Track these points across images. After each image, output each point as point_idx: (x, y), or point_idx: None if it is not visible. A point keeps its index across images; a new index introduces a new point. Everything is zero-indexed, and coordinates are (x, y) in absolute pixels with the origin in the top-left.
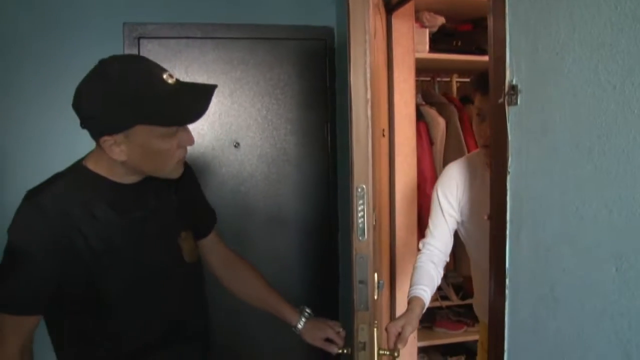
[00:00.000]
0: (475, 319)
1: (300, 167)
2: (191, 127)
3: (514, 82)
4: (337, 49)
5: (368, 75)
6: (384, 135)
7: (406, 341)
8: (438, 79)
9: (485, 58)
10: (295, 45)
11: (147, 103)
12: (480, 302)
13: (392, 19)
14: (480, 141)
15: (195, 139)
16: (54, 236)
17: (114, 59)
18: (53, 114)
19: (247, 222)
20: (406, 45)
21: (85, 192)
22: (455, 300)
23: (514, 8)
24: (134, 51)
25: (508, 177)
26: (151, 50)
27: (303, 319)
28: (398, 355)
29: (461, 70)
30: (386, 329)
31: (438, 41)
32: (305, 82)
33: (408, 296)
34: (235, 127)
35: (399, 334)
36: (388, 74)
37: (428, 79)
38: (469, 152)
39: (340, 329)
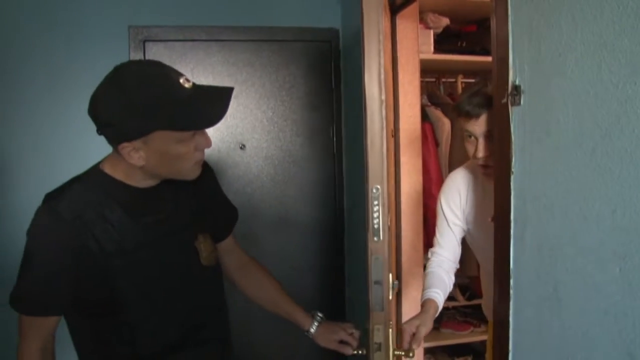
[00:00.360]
0: (481, 320)
1: (306, 169)
2: None
3: (517, 83)
4: (342, 50)
5: (382, 76)
6: (392, 136)
7: (421, 341)
8: (443, 79)
9: (490, 58)
10: (301, 47)
11: (165, 109)
12: (488, 304)
13: (397, 20)
14: (475, 160)
15: None
16: (69, 239)
17: (130, 64)
18: (60, 118)
19: (253, 223)
20: (410, 47)
21: (100, 195)
22: (461, 301)
23: (517, 9)
24: (139, 54)
25: (512, 177)
26: (156, 53)
27: (315, 323)
28: (413, 356)
29: (466, 70)
30: (401, 330)
31: (443, 42)
32: (311, 83)
33: (421, 299)
34: (241, 129)
35: (414, 334)
36: (393, 75)
37: (433, 79)
38: None
39: (354, 330)
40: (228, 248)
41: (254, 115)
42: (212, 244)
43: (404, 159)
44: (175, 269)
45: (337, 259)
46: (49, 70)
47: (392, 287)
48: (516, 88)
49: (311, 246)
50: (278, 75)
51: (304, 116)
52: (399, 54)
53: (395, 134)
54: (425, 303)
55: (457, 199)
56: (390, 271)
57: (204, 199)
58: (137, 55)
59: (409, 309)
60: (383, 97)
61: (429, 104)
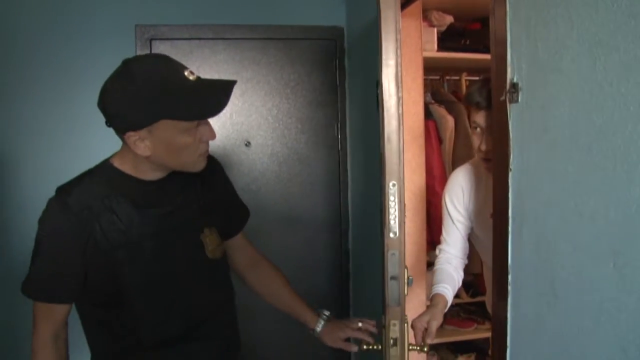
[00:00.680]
0: (485, 317)
1: (310, 166)
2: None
3: (515, 80)
4: (347, 48)
5: (400, 73)
6: None
7: (434, 336)
8: (447, 77)
9: None
10: (306, 45)
11: (169, 99)
12: (490, 300)
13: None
14: (479, 154)
15: None
16: (76, 228)
17: (137, 58)
18: (68, 114)
19: (258, 220)
20: (414, 45)
21: (107, 188)
22: (465, 298)
23: (515, 8)
24: (146, 52)
25: (510, 174)
26: (163, 51)
27: (322, 322)
28: (428, 351)
29: (470, 68)
30: (412, 325)
31: (447, 40)
32: (316, 81)
33: (430, 295)
34: (246, 127)
35: (425, 329)
36: None
37: (437, 77)
38: None
39: (360, 324)
40: (238, 245)
41: (259, 113)
42: (218, 238)
43: (407, 156)
44: (179, 260)
45: (341, 255)
46: (58, 68)
47: (408, 283)
48: (514, 86)
49: (316, 242)
50: (283, 73)
51: (309, 114)
52: (402, 51)
53: None
54: (434, 298)
55: (460, 196)
56: (405, 267)
57: (214, 195)
58: (143, 54)
59: (413, 305)
60: (400, 94)
61: (432, 101)
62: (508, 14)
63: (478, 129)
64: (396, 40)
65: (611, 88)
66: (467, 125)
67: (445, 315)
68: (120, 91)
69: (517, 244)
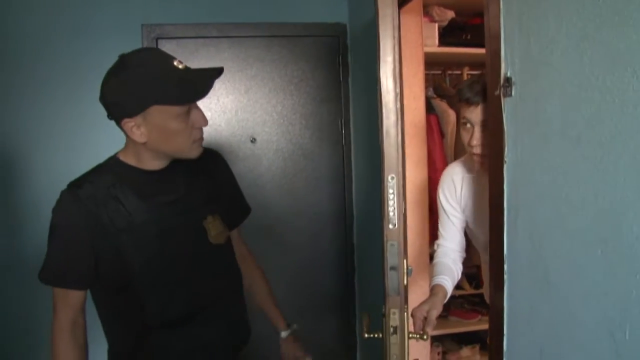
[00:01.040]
0: (488, 308)
1: (315, 161)
2: (209, 122)
3: (508, 75)
4: (349, 45)
5: (397, 70)
6: None
7: (433, 324)
8: (449, 72)
9: None
10: (309, 42)
11: (159, 85)
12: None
13: (401, 15)
14: (469, 149)
15: (213, 135)
16: (85, 215)
17: (131, 52)
18: (77, 113)
19: (264, 215)
20: (414, 40)
21: (113, 179)
22: (468, 290)
23: (508, 3)
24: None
25: (505, 166)
26: (169, 50)
27: (289, 331)
28: (427, 338)
29: (472, 63)
30: (412, 314)
31: (448, 35)
32: (319, 78)
33: (430, 286)
34: (251, 123)
35: (425, 318)
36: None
37: (439, 72)
38: None
39: None
40: (232, 238)
41: (264, 109)
42: (222, 225)
43: (409, 150)
44: (181, 244)
45: (346, 247)
46: (65, 68)
47: (407, 273)
48: (508, 80)
49: (321, 236)
50: (287, 70)
51: (313, 109)
52: (403, 47)
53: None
54: (434, 288)
55: (452, 191)
56: (405, 257)
57: (217, 186)
58: None
59: (416, 297)
60: (398, 90)
61: (434, 96)
62: (501, 9)
63: (468, 125)
64: (393, 37)
65: (597, 81)
66: None
67: (450, 307)
68: (114, 81)
69: (512, 234)
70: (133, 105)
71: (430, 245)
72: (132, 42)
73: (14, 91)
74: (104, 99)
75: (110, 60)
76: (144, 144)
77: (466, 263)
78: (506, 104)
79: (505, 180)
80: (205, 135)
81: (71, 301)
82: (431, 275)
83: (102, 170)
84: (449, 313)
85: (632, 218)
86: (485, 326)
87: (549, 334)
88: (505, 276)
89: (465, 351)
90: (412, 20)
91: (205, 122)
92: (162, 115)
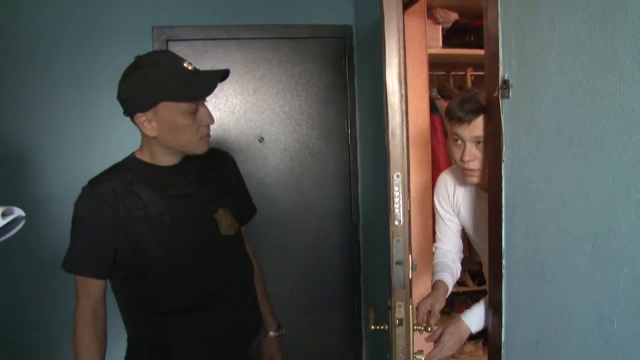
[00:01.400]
0: None
1: (322, 160)
2: (218, 122)
3: (506, 77)
4: (355, 46)
5: (402, 72)
6: None
7: (438, 317)
8: (453, 73)
9: None
10: (316, 44)
11: (168, 84)
12: None
13: (405, 17)
14: (460, 164)
15: (222, 134)
16: (104, 208)
17: (146, 53)
18: (89, 114)
19: (272, 213)
20: (418, 42)
21: (130, 175)
22: (471, 286)
23: (505, 8)
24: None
25: (503, 165)
26: (179, 52)
27: (277, 333)
28: (431, 330)
29: (475, 64)
30: (417, 308)
31: (452, 36)
32: (326, 78)
33: (431, 283)
34: (259, 123)
35: (429, 311)
36: None
37: (443, 73)
38: None
39: None
40: None
41: (272, 110)
42: (232, 218)
43: (412, 150)
44: (194, 235)
45: (352, 245)
46: (78, 69)
47: (412, 268)
48: (505, 82)
49: (327, 233)
50: (294, 71)
51: (319, 110)
52: (407, 49)
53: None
54: (436, 283)
55: (446, 197)
56: (410, 252)
57: (227, 184)
58: None
59: (419, 293)
60: (403, 91)
61: (438, 96)
62: (499, 14)
63: (459, 141)
64: (399, 40)
65: (588, 84)
66: None
67: (454, 303)
68: (129, 79)
69: (510, 230)
70: (145, 101)
71: (433, 244)
72: (142, 44)
73: (27, 91)
74: (119, 96)
75: (122, 61)
76: (155, 138)
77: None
78: (504, 105)
79: (503, 179)
80: (214, 134)
81: (92, 290)
82: (432, 273)
83: (119, 168)
84: (452, 309)
85: (620, 215)
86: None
87: (544, 325)
88: (503, 270)
89: (469, 346)
90: (416, 22)
91: (211, 120)
92: (170, 111)
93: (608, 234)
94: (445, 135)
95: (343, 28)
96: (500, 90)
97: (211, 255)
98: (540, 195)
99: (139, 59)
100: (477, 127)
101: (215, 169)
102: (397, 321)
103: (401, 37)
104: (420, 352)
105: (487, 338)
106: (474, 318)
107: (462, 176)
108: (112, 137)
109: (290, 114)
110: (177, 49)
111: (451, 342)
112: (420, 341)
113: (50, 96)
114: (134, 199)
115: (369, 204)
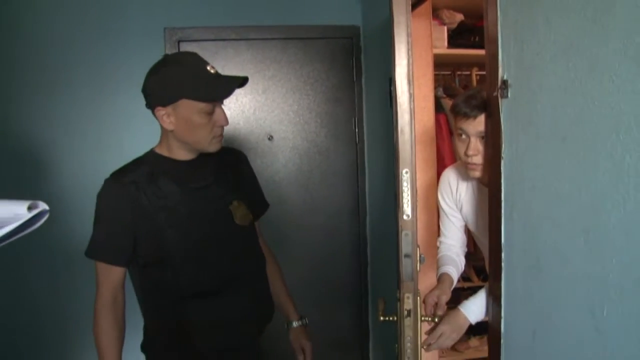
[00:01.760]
0: None
1: (330, 158)
2: (229, 122)
3: (505, 77)
4: (363, 46)
5: (411, 72)
6: None
7: (444, 308)
8: (458, 72)
9: None
10: (324, 44)
11: (190, 83)
12: None
13: (411, 18)
14: (464, 158)
15: (232, 133)
16: (126, 198)
17: (173, 53)
18: (102, 110)
19: (281, 210)
20: (424, 43)
21: (151, 167)
22: (476, 282)
23: (504, 11)
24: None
25: (502, 163)
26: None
27: (300, 322)
28: (439, 321)
29: (480, 63)
30: (424, 300)
31: (457, 37)
32: (334, 78)
33: (437, 276)
34: (269, 122)
35: (436, 303)
36: None
37: (449, 72)
38: None
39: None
40: None
41: (281, 109)
42: (246, 209)
43: (418, 148)
44: (210, 225)
45: (360, 241)
46: (92, 69)
47: (420, 261)
48: (504, 82)
49: (336, 229)
50: (303, 70)
51: (327, 109)
52: (413, 49)
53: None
54: (441, 276)
55: (449, 193)
56: (418, 246)
57: (241, 180)
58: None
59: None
60: (411, 90)
61: (444, 95)
62: (499, 16)
63: (463, 136)
64: (407, 42)
65: (580, 85)
66: None
67: (460, 299)
68: (154, 74)
69: (509, 225)
70: (166, 97)
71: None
72: (154, 45)
73: (43, 91)
74: (144, 90)
75: (135, 61)
76: (172, 132)
77: (474, 257)
78: (503, 105)
79: (502, 175)
80: (224, 133)
81: (112, 277)
82: (437, 267)
83: (140, 161)
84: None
85: (610, 209)
86: None
87: (540, 316)
88: (502, 264)
89: (474, 341)
90: (421, 23)
91: (226, 121)
92: (188, 109)
93: (599, 227)
94: (451, 133)
95: (351, 29)
96: (499, 90)
97: (226, 244)
98: (537, 191)
99: (166, 56)
100: (481, 122)
101: (230, 166)
102: (406, 312)
103: (410, 39)
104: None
105: None
106: (472, 308)
107: (465, 172)
108: (124, 135)
109: (299, 113)
110: (188, 49)
111: (448, 331)
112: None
113: (65, 96)
114: (154, 189)
115: (376, 201)
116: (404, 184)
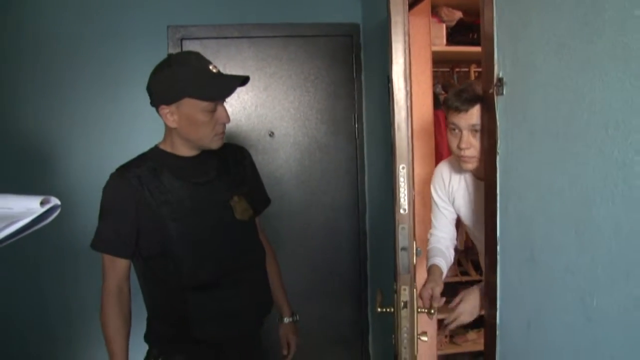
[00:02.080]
0: None
1: (330, 154)
2: (231, 119)
3: (500, 75)
4: (363, 43)
5: (408, 70)
6: None
7: (439, 299)
8: (457, 69)
9: None
10: (325, 42)
11: (192, 82)
12: None
13: (410, 16)
14: (457, 151)
15: (234, 129)
16: (130, 191)
17: (177, 52)
18: (106, 107)
19: (282, 205)
20: (423, 41)
21: (154, 162)
22: (474, 276)
23: (500, 11)
24: (177, 51)
25: (497, 158)
26: (193, 50)
27: (291, 319)
28: (434, 313)
29: (479, 60)
30: (419, 295)
31: (456, 34)
32: (334, 75)
33: (426, 267)
34: (270, 118)
35: (431, 295)
36: None
37: (447, 69)
38: None
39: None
40: None
41: (282, 105)
42: (246, 204)
43: (416, 144)
44: (211, 219)
45: (359, 235)
46: (97, 67)
47: (416, 253)
48: (500, 80)
49: (335, 224)
50: (304, 68)
51: (328, 105)
52: (412, 47)
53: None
54: (431, 267)
55: (442, 186)
56: (414, 239)
57: (243, 176)
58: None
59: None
60: (408, 88)
61: (443, 92)
62: (495, 16)
63: (456, 130)
64: (404, 41)
65: (571, 82)
66: None
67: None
68: (159, 73)
69: (504, 218)
70: (170, 95)
71: None
72: (158, 43)
73: (50, 89)
74: (148, 88)
75: (139, 59)
76: (175, 129)
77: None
78: (498, 102)
79: (497, 170)
80: (227, 130)
81: (118, 269)
82: (426, 258)
83: (144, 157)
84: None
85: (599, 203)
86: None
87: (534, 307)
88: (498, 256)
89: (472, 334)
90: (420, 21)
91: (227, 119)
92: (191, 107)
93: (589, 220)
94: None
95: (350, 26)
96: (495, 88)
97: (226, 237)
98: (531, 186)
99: (170, 56)
100: (473, 115)
101: (233, 162)
102: (402, 304)
103: (407, 38)
104: (424, 333)
105: None
106: None
107: (458, 165)
108: (129, 132)
109: (300, 110)
110: (191, 47)
111: (469, 308)
112: (423, 323)
113: (71, 94)
114: (157, 184)
115: (374, 196)
116: (401, 179)
